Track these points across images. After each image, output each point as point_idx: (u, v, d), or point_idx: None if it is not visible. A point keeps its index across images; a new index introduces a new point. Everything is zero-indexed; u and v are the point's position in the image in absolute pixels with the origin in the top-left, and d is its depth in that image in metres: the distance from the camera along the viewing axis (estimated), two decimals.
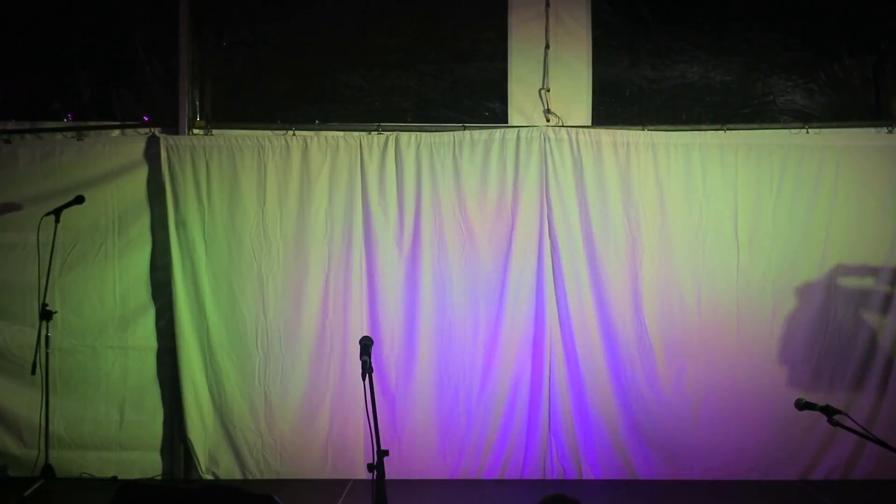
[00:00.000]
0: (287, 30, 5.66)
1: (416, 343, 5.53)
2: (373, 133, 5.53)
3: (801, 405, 3.34)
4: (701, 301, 5.51)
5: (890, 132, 5.54)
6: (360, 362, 3.44)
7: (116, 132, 5.61)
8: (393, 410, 5.50)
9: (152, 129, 5.59)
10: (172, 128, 5.56)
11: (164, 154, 5.53)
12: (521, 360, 5.53)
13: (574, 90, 5.60)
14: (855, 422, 3.22)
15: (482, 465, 5.53)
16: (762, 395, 5.44)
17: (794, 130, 5.52)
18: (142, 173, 5.54)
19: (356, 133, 5.55)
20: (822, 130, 5.50)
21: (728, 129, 5.51)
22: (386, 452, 3.25)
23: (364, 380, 3.34)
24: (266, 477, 5.50)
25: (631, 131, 5.50)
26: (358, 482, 5.32)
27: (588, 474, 5.50)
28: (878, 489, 5.27)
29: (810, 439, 5.46)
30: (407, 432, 5.53)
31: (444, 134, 5.52)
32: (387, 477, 3.24)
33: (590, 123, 5.55)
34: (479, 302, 5.51)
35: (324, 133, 5.55)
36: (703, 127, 5.52)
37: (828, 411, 3.21)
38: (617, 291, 5.54)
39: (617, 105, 5.63)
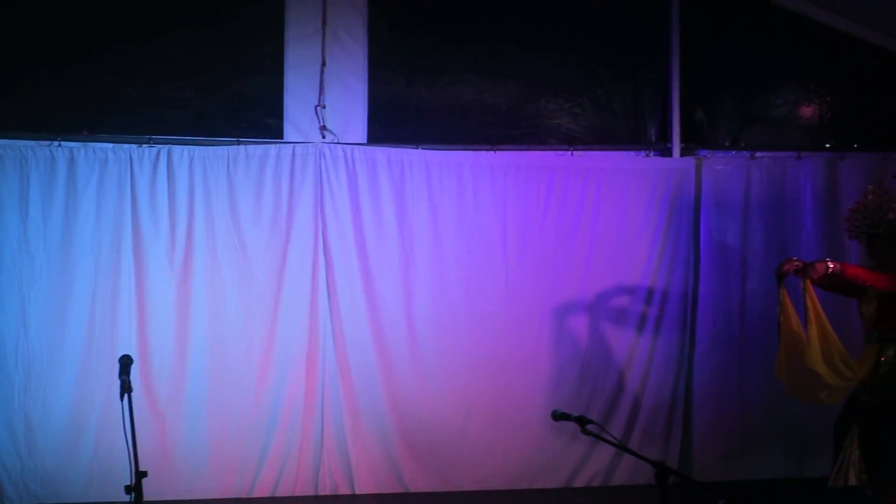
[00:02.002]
0: (55, 35, 6.13)
1: (188, 360, 6.11)
2: (144, 146, 6.09)
3: (557, 416, 3.71)
4: (472, 317, 6.40)
5: (647, 155, 6.61)
6: (128, 381, 3.91)
7: None
8: (163, 429, 6.02)
9: None
10: None
11: None
12: (295, 377, 6.17)
13: (350, 108, 6.31)
14: (607, 431, 3.69)
15: (254, 483, 6.14)
16: (529, 407, 6.29)
17: (559, 152, 6.46)
18: None
19: (127, 145, 6.10)
20: (586, 153, 6.48)
21: (498, 150, 6.39)
22: (144, 473, 3.63)
23: (122, 399, 3.71)
24: (26, 503, 5.97)
25: (406, 150, 6.29)
26: None
27: (361, 489, 6.22)
28: (633, 493, 6.28)
29: (573, 449, 6.43)
30: (177, 451, 6.12)
31: (219, 148, 6.14)
32: (155, 497, 3.86)
33: (365, 141, 6.30)
34: (254, 318, 6.13)
35: (92, 145, 6.13)
36: (475, 147, 6.37)
37: (581, 422, 3.55)
38: (391, 308, 6.34)
39: (393, 124, 6.35)
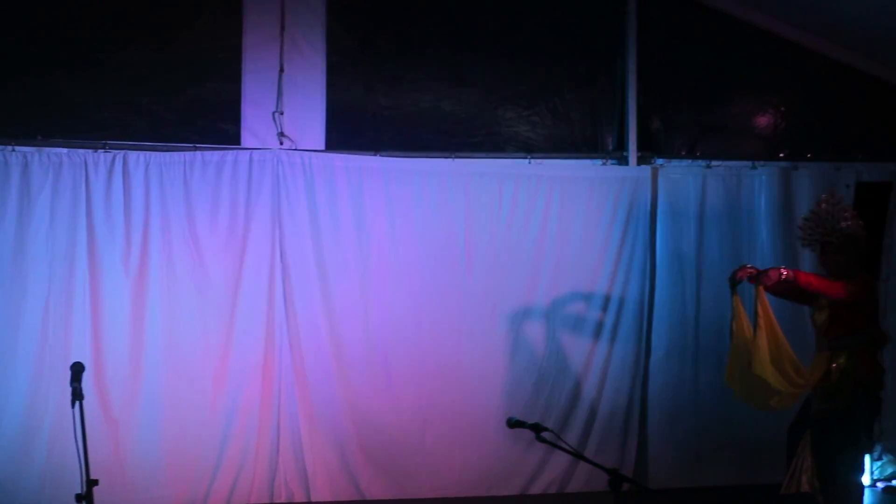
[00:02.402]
0: (8, 39, 6.14)
1: (143, 367, 6.09)
2: (99, 151, 6.06)
3: (512, 423, 3.78)
4: (430, 324, 6.44)
5: (604, 164, 6.68)
6: (80, 388, 3.94)
7: None
8: (116, 437, 6.00)
9: None
10: None
11: None
12: (251, 384, 6.18)
13: (308, 114, 6.31)
14: (562, 439, 3.86)
15: (209, 492, 6.12)
16: (486, 414, 6.33)
17: (517, 160, 6.51)
18: None
19: (82, 150, 6.07)
20: (544, 161, 6.54)
21: (457, 158, 6.44)
22: (96, 482, 3.64)
23: (73, 407, 3.74)
24: None
25: (364, 157, 6.30)
26: None
27: (317, 496, 6.21)
28: (589, 500, 6.34)
29: (530, 456, 6.51)
30: (131, 459, 6.09)
31: (175, 154, 6.12)
32: None
33: (323, 148, 6.30)
34: (210, 325, 6.13)
35: (47, 150, 6.11)
36: (434, 155, 6.42)
37: (536, 429, 3.63)
38: (349, 315, 6.36)
39: (351, 131, 6.37)
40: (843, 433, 4.96)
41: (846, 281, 4.96)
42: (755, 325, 5.03)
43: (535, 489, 6.51)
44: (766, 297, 5.04)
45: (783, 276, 4.89)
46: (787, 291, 5.15)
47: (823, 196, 5.30)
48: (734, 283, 5.09)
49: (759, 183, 6.68)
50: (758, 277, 4.96)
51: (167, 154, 6.11)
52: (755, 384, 5.10)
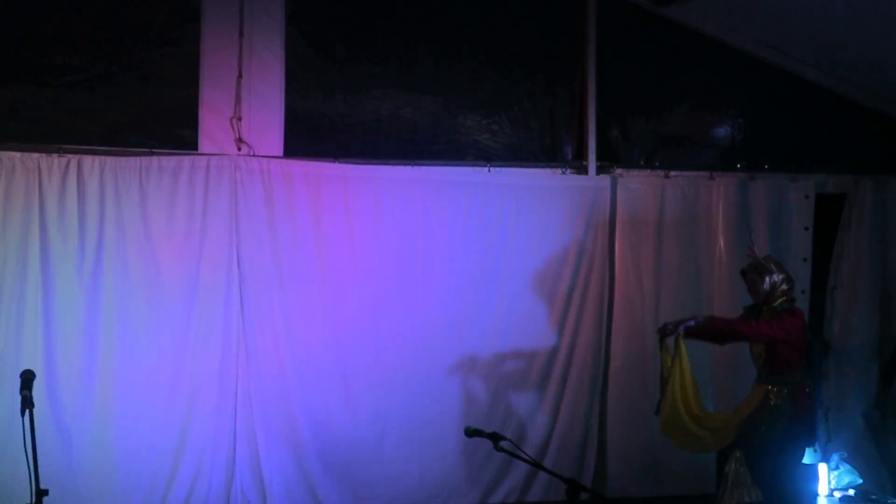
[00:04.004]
0: None
1: (96, 375, 6.09)
2: (53, 155, 6.05)
3: (470, 432, 3.88)
4: (388, 332, 6.53)
5: (564, 173, 6.88)
6: (30, 396, 4.02)
7: None
8: (68, 446, 5.99)
9: None
10: None
11: None
12: (207, 393, 6.22)
13: (267, 120, 6.38)
14: (521, 448, 3.88)
15: (164, 501, 6.15)
16: (444, 423, 6.48)
17: (476, 168, 6.64)
18: None
19: (35, 154, 6.03)
20: (504, 169, 6.67)
21: (416, 165, 6.55)
22: (46, 492, 3.67)
23: (23, 416, 3.79)
24: None
25: (323, 164, 6.38)
26: None
27: None
28: None
29: (489, 465, 6.64)
30: (83, 469, 6.04)
31: (131, 159, 6.13)
32: None
33: (282, 154, 6.36)
34: (165, 332, 6.15)
35: None
36: (393, 162, 6.51)
37: (495, 438, 3.72)
38: (307, 323, 6.40)
39: (310, 137, 6.44)
40: (776, 458, 5.25)
41: (779, 321, 5.27)
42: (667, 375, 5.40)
43: (495, 499, 6.62)
44: (683, 348, 5.40)
45: (691, 326, 5.34)
46: (721, 337, 5.56)
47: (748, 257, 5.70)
48: (664, 335, 5.47)
49: (717, 193, 6.86)
50: (675, 330, 5.36)
51: (123, 159, 6.12)
52: (688, 432, 5.47)
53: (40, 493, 3.66)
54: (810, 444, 5.51)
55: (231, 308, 6.26)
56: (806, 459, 5.98)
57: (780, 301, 5.39)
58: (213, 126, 6.32)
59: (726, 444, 5.43)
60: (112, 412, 6.09)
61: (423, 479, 6.47)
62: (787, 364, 5.32)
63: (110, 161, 6.11)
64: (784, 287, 5.44)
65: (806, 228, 6.90)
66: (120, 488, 6.09)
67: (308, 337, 6.35)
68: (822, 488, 6.60)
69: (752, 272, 5.49)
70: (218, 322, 6.24)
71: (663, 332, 5.41)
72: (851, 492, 6.72)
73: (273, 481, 6.28)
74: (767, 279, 5.41)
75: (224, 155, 6.27)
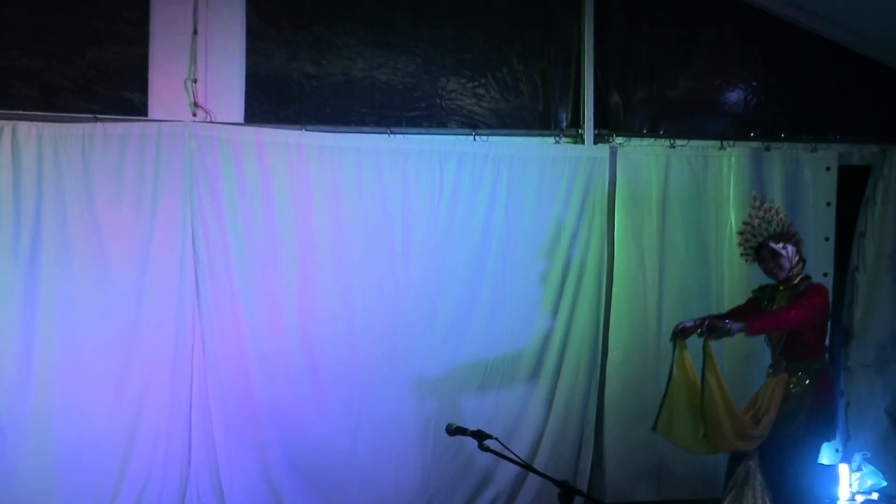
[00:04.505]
0: None
1: (34, 366, 5.69)
2: None
3: (452, 430, 3.69)
4: (363, 318, 6.08)
5: (557, 142, 6.36)
6: None
7: None
8: (2, 446, 5.64)
9: None
10: None
11: None
12: (160, 386, 5.84)
13: (226, 83, 5.97)
14: (508, 448, 3.64)
15: None
16: (425, 418, 6.09)
17: (461, 137, 6.20)
18: None
19: None
20: (491, 138, 6.22)
21: (393, 134, 6.11)
22: None
23: None
24: None
25: (289, 131, 5.94)
26: None
27: None
28: None
29: (474, 466, 6.19)
30: (19, 472, 5.67)
31: (73, 126, 5.72)
32: None
33: (243, 121, 5.97)
34: (112, 318, 5.78)
35: None
36: (368, 130, 6.10)
37: (479, 436, 3.55)
38: (271, 309, 5.99)
39: (274, 102, 6.04)
40: (793, 455, 4.94)
41: (807, 301, 4.91)
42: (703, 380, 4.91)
43: (481, 503, 6.22)
44: (712, 351, 4.93)
45: (732, 332, 4.84)
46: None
47: (751, 203, 5.26)
48: (681, 336, 5.03)
49: (727, 165, 6.46)
50: (707, 331, 4.85)
51: (63, 126, 5.72)
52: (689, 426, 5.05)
53: None
54: (830, 438, 5.18)
55: (186, 293, 5.87)
56: (825, 460, 5.86)
57: (799, 279, 5.08)
58: (164, 89, 5.93)
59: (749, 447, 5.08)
60: (52, 409, 5.71)
61: (400, 483, 6.09)
62: (810, 349, 5.02)
63: (49, 128, 5.72)
64: (802, 262, 5.14)
65: (828, 204, 6.51)
66: (62, 493, 5.71)
67: (273, 325, 5.96)
68: (843, 491, 6.25)
69: (772, 240, 5.08)
70: (171, 308, 5.86)
71: (686, 334, 5.00)
72: (875, 495, 6.35)
73: (233, 485, 5.90)
74: (791, 249, 5.08)
75: (177, 122, 5.87)
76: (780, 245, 5.04)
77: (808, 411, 4.95)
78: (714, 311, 5.85)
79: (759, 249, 5.13)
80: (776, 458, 4.97)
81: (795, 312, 4.85)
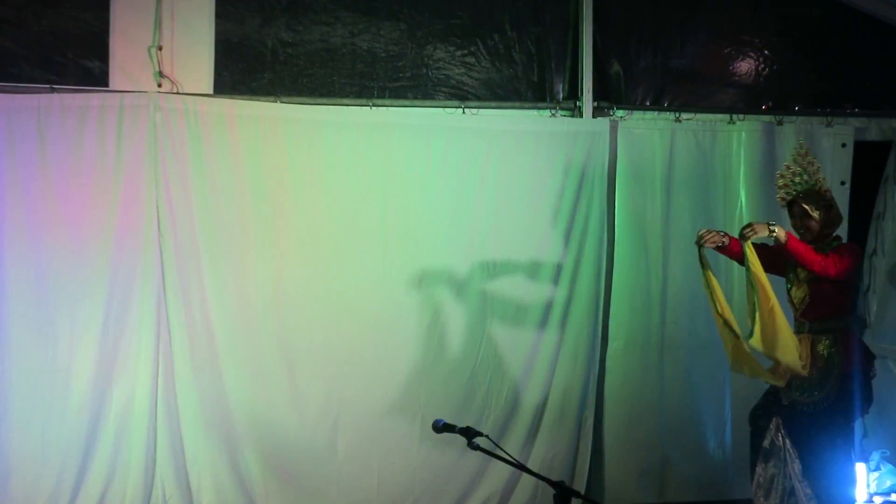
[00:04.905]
0: None
1: None
2: None
3: (439, 428, 3.54)
4: (343, 306, 5.78)
5: (553, 115, 6.06)
6: None
7: None
8: None
9: None
10: None
11: None
12: (122, 381, 5.58)
13: (193, 51, 5.69)
14: (500, 447, 3.47)
15: None
16: (410, 414, 5.81)
17: (449, 110, 5.89)
18: None
19: None
20: (481, 111, 5.90)
21: (375, 106, 5.80)
22: None
23: None
24: None
25: (262, 103, 5.68)
26: None
27: None
28: None
29: (463, 466, 5.87)
30: None
31: (27, 97, 5.45)
32: None
33: (212, 92, 5.70)
34: (70, 307, 5.52)
35: None
36: (348, 102, 5.80)
37: (468, 434, 3.39)
38: (244, 295, 5.71)
39: (246, 71, 5.78)
40: (826, 431, 4.75)
41: (838, 255, 4.70)
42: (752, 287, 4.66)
43: None
44: (756, 257, 4.70)
45: (772, 234, 4.59)
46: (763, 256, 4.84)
47: (797, 150, 5.07)
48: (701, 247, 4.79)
49: (737, 140, 6.14)
50: (742, 234, 4.65)
51: (17, 97, 5.43)
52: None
53: None
54: (866, 408, 4.92)
55: (151, 277, 5.59)
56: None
57: (832, 240, 4.89)
58: (127, 57, 5.63)
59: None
60: (4, 403, 5.46)
61: (384, 484, 5.80)
62: (836, 308, 4.82)
63: (1, 99, 5.42)
64: (836, 227, 4.95)
65: (842, 183, 6.17)
66: (16, 494, 5.46)
67: (245, 312, 5.67)
68: (861, 493, 5.88)
69: (805, 201, 4.86)
70: (135, 293, 5.57)
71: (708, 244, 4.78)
72: (895, 496, 6.10)
73: (202, 487, 5.63)
74: (824, 213, 4.86)
75: (141, 92, 5.57)
76: (812, 207, 4.82)
77: (839, 377, 4.77)
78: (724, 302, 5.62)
79: (791, 204, 4.96)
80: (806, 430, 4.78)
81: (822, 260, 4.64)
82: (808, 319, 4.86)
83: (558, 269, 5.96)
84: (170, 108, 5.54)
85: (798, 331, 4.89)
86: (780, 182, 4.99)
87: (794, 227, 4.94)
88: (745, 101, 6.29)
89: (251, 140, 5.63)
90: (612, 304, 6.05)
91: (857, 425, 5.82)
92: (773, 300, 4.66)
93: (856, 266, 4.84)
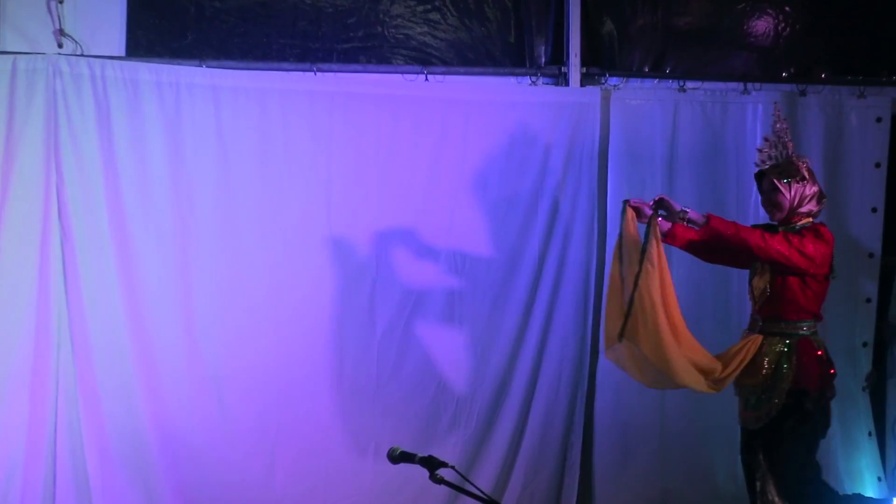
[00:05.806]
0: None
1: None
2: None
3: (395, 457, 3.30)
4: (280, 310, 5.41)
5: (534, 83, 5.67)
6: None
7: None
8: None
9: None
10: None
11: None
12: (14, 398, 5.16)
13: (102, 5, 5.38)
14: (468, 479, 3.15)
15: None
16: (362, 441, 5.49)
17: (409, 77, 5.56)
18: None
19: None
20: (447, 78, 5.57)
21: (321, 71, 5.45)
22: None
23: None
24: None
25: (184, 67, 5.34)
26: None
27: None
28: None
29: (427, 501, 5.43)
30: None
31: None
32: None
33: (124, 54, 5.38)
34: None
35: None
36: (287, 66, 5.46)
37: (430, 465, 3.15)
38: (161, 298, 5.32)
39: (165, 30, 5.46)
40: (782, 456, 4.44)
41: (800, 237, 4.37)
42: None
43: None
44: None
45: (684, 213, 4.39)
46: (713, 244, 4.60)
47: (773, 116, 4.78)
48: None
49: (752, 113, 5.73)
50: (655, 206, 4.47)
51: None
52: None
53: None
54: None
55: (49, 276, 5.18)
56: (870, 492, 5.38)
57: (804, 222, 4.54)
58: (21, 13, 5.26)
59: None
60: None
61: None
62: (795, 308, 4.47)
63: None
64: (813, 206, 4.55)
65: (877, 165, 5.73)
66: None
67: (162, 320, 5.30)
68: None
69: (774, 173, 4.54)
70: (30, 296, 5.15)
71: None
72: None
73: None
74: (796, 187, 4.49)
75: (38, 54, 5.19)
76: (781, 180, 4.49)
77: (787, 391, 4.41)
78: (735, 299, 5.49)
79: (760, 179, 4.68)
80: (772, 450, 4.48)
81: (779, 243, 4.31)
82: (763, 317, 4.54)
83: (539, 265, 5.60)
84: (72, 72, 5.17)
85: (751, 327, 4.61)
86: (758, 158, 4.71)
87: (763, 205, 4.69)
88: (761, 67, 5.90)
89: (170, 111, 5.27)
90: (603, 310, 5.42)
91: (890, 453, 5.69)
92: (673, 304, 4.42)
93: (822, 256, 4.46)
